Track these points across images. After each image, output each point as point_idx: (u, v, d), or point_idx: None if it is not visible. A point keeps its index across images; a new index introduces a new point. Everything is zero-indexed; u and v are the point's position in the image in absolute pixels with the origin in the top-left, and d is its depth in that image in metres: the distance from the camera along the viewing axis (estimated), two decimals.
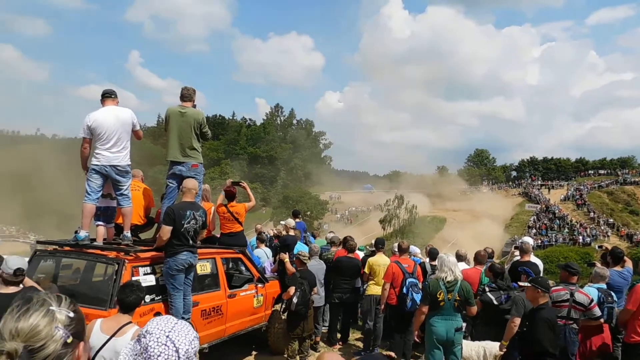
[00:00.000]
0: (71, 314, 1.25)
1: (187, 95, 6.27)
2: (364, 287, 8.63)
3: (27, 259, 4.63)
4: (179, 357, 1.50)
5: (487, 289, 6.50)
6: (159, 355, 1.49)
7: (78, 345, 1.25)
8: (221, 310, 6.41)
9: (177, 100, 6.34)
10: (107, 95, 5.75)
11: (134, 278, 5.22)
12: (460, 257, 8.36)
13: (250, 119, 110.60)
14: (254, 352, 7.86)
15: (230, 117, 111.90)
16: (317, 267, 8.25)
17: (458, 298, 5.60)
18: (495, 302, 6.32)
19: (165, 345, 1.51)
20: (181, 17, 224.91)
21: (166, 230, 5.38)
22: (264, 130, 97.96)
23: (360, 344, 8.75)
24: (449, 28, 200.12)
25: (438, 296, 5.54)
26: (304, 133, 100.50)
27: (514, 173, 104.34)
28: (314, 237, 11.95)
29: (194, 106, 6.36)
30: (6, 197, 57.43)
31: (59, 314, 1.21)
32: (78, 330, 1.25)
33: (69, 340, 1.21)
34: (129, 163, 5.74)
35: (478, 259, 7.66)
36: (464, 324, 5.91)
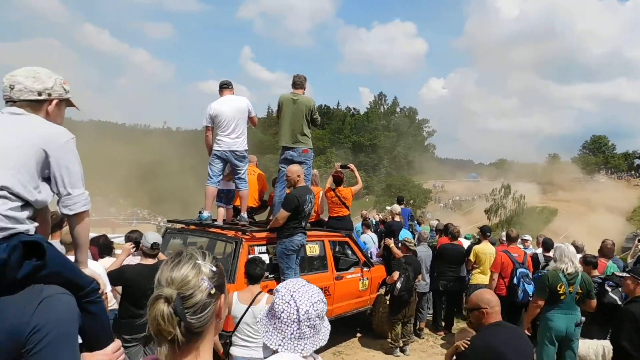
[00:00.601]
0: (214, 268, 1.34)
1: (298, 83, 6.40)
2: (469, 275, 8.31)
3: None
4: (298, 316, 1.58)
5: (608, 288, 5.84)
6: (282, 312, 1.60)
7: (220, 296, 1.34)
8: (328, 291, 6.51)
9: (285, 91, 6.50)
10: (225, 86, 6.05)
11: (250, 256, 5.48)
12: (577, 249, 7.70)
13: (354, 108, 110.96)
14: (358, 335, 7.92)
15: (335, 107, 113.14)
16: (425, 253, 8.10)
17: (580, 291, 5.14)
18: (619, 302, 5.69)
19: (288, 303, 1.60)
20: (288, 12, 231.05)
21: (285, 215, 5.54)
22: (368, 119, 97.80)
23: None
24: (564, 4, 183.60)
25: (558, 289, 5.11)
26: (407, 121, 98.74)
27: (637, 161, 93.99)
28: (419, 224, 11.72)
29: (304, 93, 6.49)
30: (139, 184, 63.51)
31: (204, 268, 1.31)
32: (220, 283, 1.34)
33: (212, 292, 1.29)
34: (246, 148, 5.99)
35: (604, 251, 7.00)
36: (583, 319, 5.42)
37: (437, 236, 9.66)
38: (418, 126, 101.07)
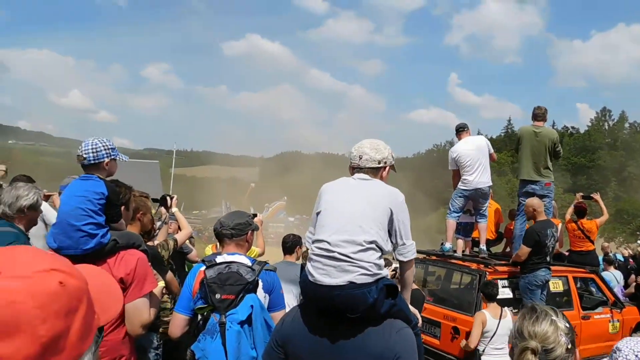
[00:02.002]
0: (568, 325, 1.41)
1: (540, 115, 6.17)
2: None
3: None
4: None
5: None
6: None
7: (575, 351, 1.42)
8: (575, 331, 5.93)
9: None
10: (462, 129, 6.19)
11: (484, 279, 5.40)
12: None
13: (572, 127, 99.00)
14: None
15: (551, 127, 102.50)
16: None
17: None
18: None
19: None
20: (495, 33, 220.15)
21: (526, 251, 5.39)
22: (590, 138, 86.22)
23: None
24: None
25: None
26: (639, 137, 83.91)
27: None
28: None
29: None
30: None
31: (559, 324, 1.40)
32: (573, 339, 1.41)
33: (569, 347, 1.38)
34: (490, 185, 5.97)
35: None
36: None
37: None
38: None
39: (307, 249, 2.18)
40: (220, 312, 2.33)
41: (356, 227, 1.91)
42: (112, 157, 2.52)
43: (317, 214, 2.09)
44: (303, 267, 2.10)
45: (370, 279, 1.84)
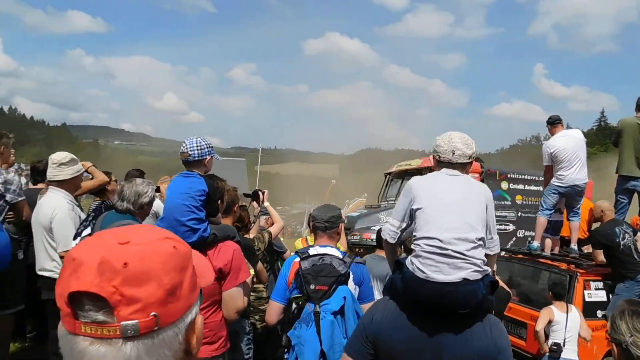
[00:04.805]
0: None
1: None
2: None
3: None
4: None
5: None
6: None
7: None
8: None
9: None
10: (558, 122, 5.80)
11: (585, 292, 5.10)
12: None
13: None
14: None
15: None
16: None
17: None
18: None
19: None
20: (586, 20, 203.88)
21: (596, 254, 5.21)
22: None
23: None
24: None
25: None
26: None
27: None
28: None
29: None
30: None
31: None
32: None
33: None
34: (587, 181, 5.65)
35: None
36: None
37: None
38: None
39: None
40: (314, 302, 2.45)
41: (465, 224, 1.94)
42: (212, 155, 2.70)
43: (416, 210, 2.08)
44: (399, 263, 2.11)
45: (480, 275, 1.87)
